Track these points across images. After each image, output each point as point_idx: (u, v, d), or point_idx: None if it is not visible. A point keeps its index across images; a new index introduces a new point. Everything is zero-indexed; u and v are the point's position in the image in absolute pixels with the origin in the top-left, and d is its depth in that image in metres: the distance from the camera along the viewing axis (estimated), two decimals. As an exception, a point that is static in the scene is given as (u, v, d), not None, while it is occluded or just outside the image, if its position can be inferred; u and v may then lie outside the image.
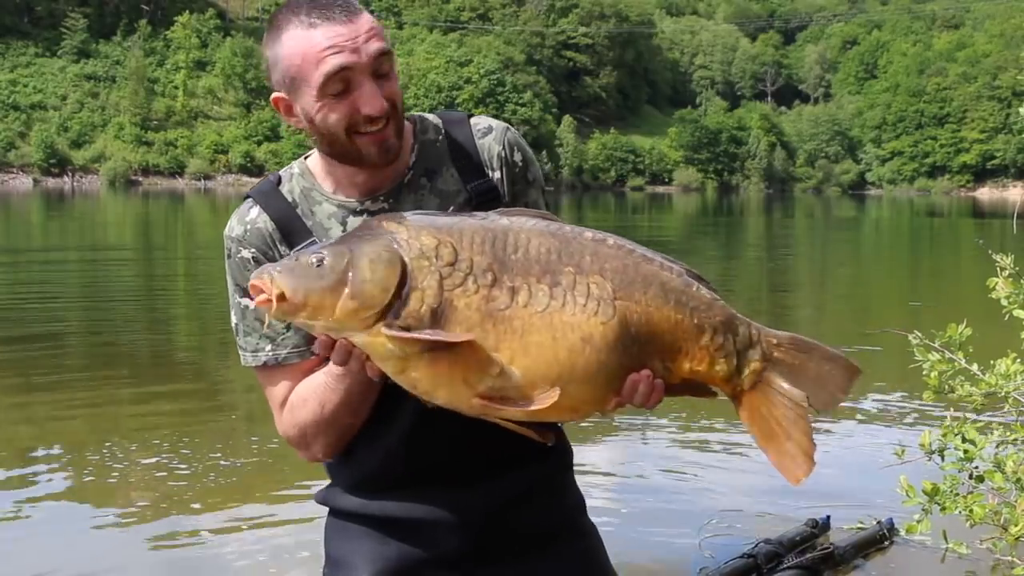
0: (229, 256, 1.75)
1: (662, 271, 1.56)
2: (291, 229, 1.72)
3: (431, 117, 1.79)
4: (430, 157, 1.75)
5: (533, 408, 1.47)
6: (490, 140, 1.77)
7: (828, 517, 4.03)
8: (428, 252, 1.46)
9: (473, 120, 1.79)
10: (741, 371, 1.58)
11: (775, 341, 1.59)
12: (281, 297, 1.42)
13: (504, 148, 1.77)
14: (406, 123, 1.76)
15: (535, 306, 1.46)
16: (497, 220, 1.52)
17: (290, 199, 1.74)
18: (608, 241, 1.55)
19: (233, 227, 1.74)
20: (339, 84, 1.59)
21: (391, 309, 1.44)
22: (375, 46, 1.60)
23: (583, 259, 1.51)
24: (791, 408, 1.58)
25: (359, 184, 1.72)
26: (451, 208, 1.72)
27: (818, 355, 1.59)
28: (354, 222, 1.70)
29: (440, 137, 1.77)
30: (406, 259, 1.46)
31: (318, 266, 1.44)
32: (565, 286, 1.48)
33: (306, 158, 1.80)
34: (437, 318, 1.44)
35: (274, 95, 1.68)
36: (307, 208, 1.73)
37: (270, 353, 1.72)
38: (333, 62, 1.57)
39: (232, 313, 1.75)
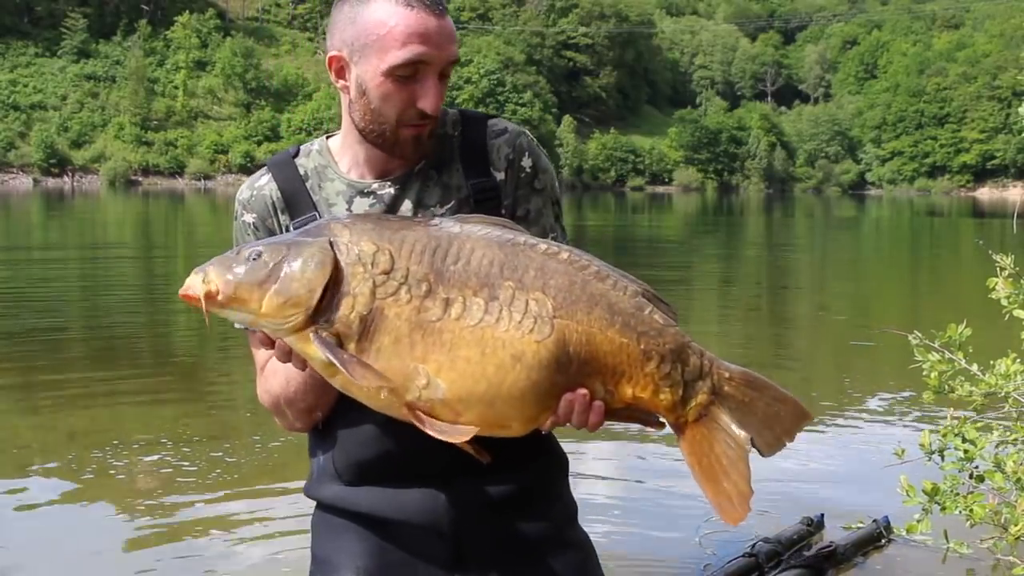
0: (235, 217, 1.81)
1: (613, 291, 1.50)
2: (296, 201, 1.76)
3: (452, 112, 1.82)
4: (443, 150, 1.77)
5: (447, 436, 1.45)
6: (501, 141, 1.78)
7: (823, 515, 4.04)
8: (365, 258, 1.45)
9: (491, 121, 1.81)
10: (687, 402, 1.52)
11: (727, 375, 1.53)
12: (211, 293, 1.44)
13: (513, 151, 1.78)
14: None
15: (467, 320, 1.43)
16: (447, 228, 1.50)
17: (302, 172, 1.78)
18: (561, 255, 1.50)
19: (243, 190, 1.81)
20: (410, 71, 1.62)
21: (322, 313, 1.44)
22: (453, 51, 1.66)
23: (527, 273, 1.47)
24: (733, 447, 1.53)
25: (373, 166, 1.75)
26: (452, 202, 1.73)
27: (769, 394, 1.54)
28: (360, 202, 1.74)
29: (456, 133, 1.78)
30: (342, 263, 1.45)
31: (254, 260, 1.45)
32: (502, 301, 1.45)
33: (328, 137, 1.82)
34: (366, 326, 1.43)
35: (332, 53, 1.69)
36: (317, 183, 1.77)
37: None
38: (416, 50, 1.61)
39: None
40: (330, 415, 1.76)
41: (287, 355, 1.51)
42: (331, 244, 1.46)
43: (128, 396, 6.89)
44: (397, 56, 1.61)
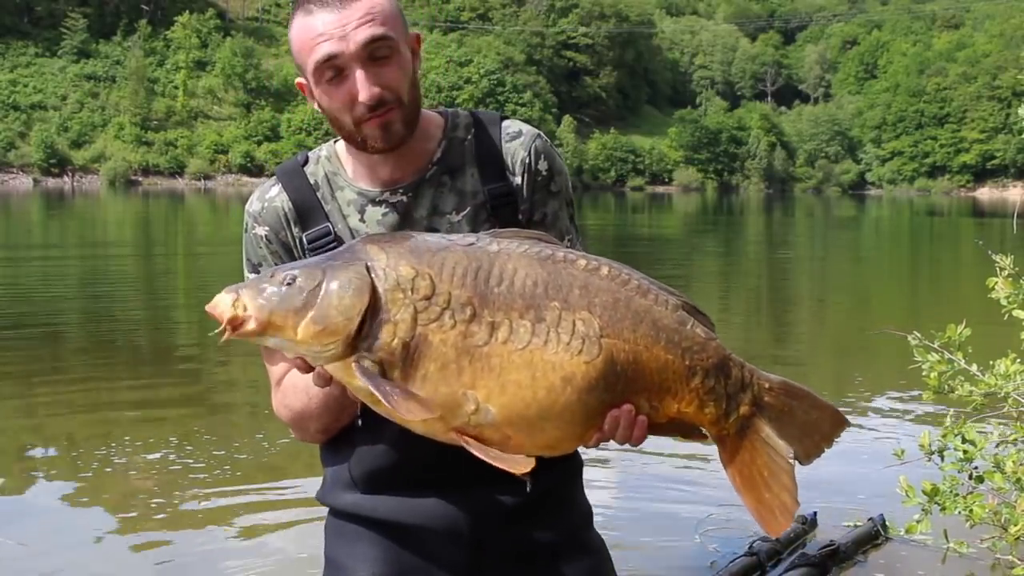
0: (246, 230, 1.77)
1: (656, 306, 1.49)
2: (308, 211, 1.73)
3: (464, 115, 1.78)
4: (455, 155, 1.74)
5: (502, 464, 1.43)
6: (516, 145, 1.75)
7: (815, 513, 4.04)
8: (404, 284, 1.41)
9: (505, 123, 1.77)
10: (730, 415, 1.52)
11: (767, 385, 1.54)
12: (238, 320, 1.39)
13: (529, 155, 1.74)
14: (437, 117, 1.76)
15: (515, 343, 1.41)
16: (485, 247, 1.46)
17: (313, 181, 1.75)
18: (601, 271, 1.48)
19: (253, 202, 1.77)
20: (330, 72, 1.60)
21: (363, 340, 1.39)
22: (364, 33, 1.58)
23: (571, 293, 1.45)
24: (774, 459, 1.54)
25: (381, 174, 1.72)
26: (468, 208, 1.71)
27: (807, 403, 1.56)
28: (372, 211, 1.71)
29: (469, 136, 1.75)
30: (380, 289, 1.41)
31: (288, 285, 1.40)
32: (549, 322, 1.43)
33: (336, 142, 1.80)
34: (410, 352, 1.40)
35: (298, 79, 1.71)
36: (328, 192, 1.74)
37: None
38: (320, 51, 1.59)
39: None
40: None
41: (327, 381, 1.48)
42: (368, 268, 1.42)
43: (130, 394, 6.90)
44: (311, 64, 1.61)
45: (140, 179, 76.52)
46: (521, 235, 1.51)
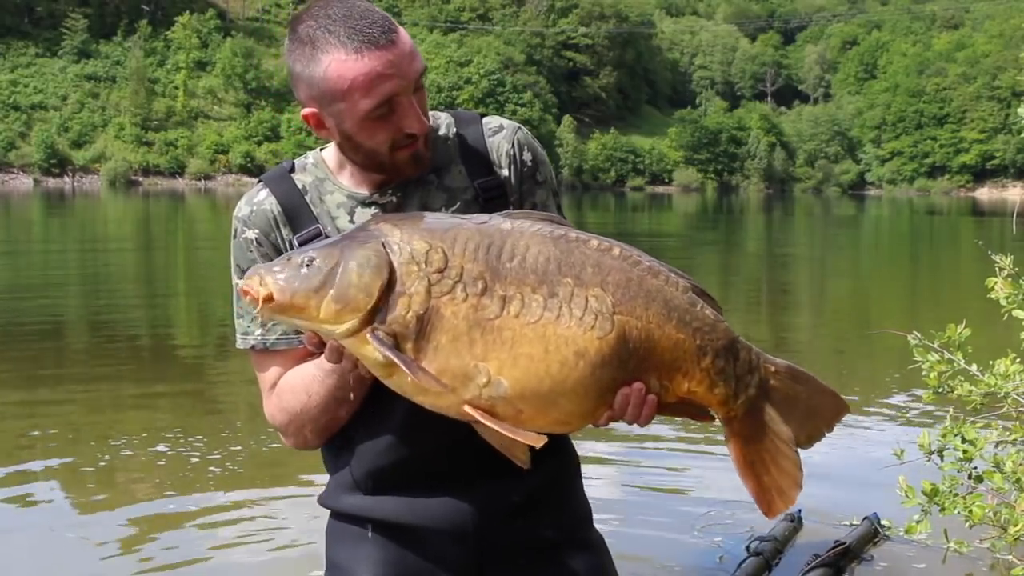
0: (235, 236, 1.78)
1: (667, 286, 1.52)
2: (297, 214, 1.74)
3: (443, 115, 1.81)
4: (440, 153, 1.76)
5: (517, 436, 1.45)
6: (500, 138, 1.78)
7: (800, 511, 4.03)
8: (418, 257, 1.45)
9: (485, 119, 1.81)
10: (738, 396, 1.56)
11: (773, 369, 1.59)
12: (269, 297, 1.43)
13: (513, 147, 1.78)
14: None
15: (527, 317, 1.43)
16: (498, 225, 1.49)
17: (300, 186, 1.77)
18: (614, 251, 1.51)
19: (241, 207, 1.79)
20: (386, 108, 1.61)
21: (377, 313, 1.43)
22: (416, 66, 1.63)
23: (584, 270, 1.47)
24: (776, 443, 1.58)
25: (370, 177, 1.74)
26: (457, 204, 1.73)
27: (811, 387, 1.60)
28: (362, 213, 1.73)
29: (451, 135, 1.78)
30: (395, 263, 1.44)
31: (307, 266, 1.44)
32: (562, 298, 1.45)
33: (322, 150, 1.82)
34: (423, 325, 1.43)
35: (305, 111, 1.68)
36: (316, 196, 1.76)
37: (259, 337, 1.75)
38: (383, 91, 1.60)
39: (233, 294, 1.77)
40: (346, 426, 1.75)
41: (339, 355, 1.51)
42: (384, 245, 1.46)
43: (131, 390, 6.89)
44: (368, 103, 1.60)
45: (140, 179, 76.58)
46: (533, 216, 1.54)
